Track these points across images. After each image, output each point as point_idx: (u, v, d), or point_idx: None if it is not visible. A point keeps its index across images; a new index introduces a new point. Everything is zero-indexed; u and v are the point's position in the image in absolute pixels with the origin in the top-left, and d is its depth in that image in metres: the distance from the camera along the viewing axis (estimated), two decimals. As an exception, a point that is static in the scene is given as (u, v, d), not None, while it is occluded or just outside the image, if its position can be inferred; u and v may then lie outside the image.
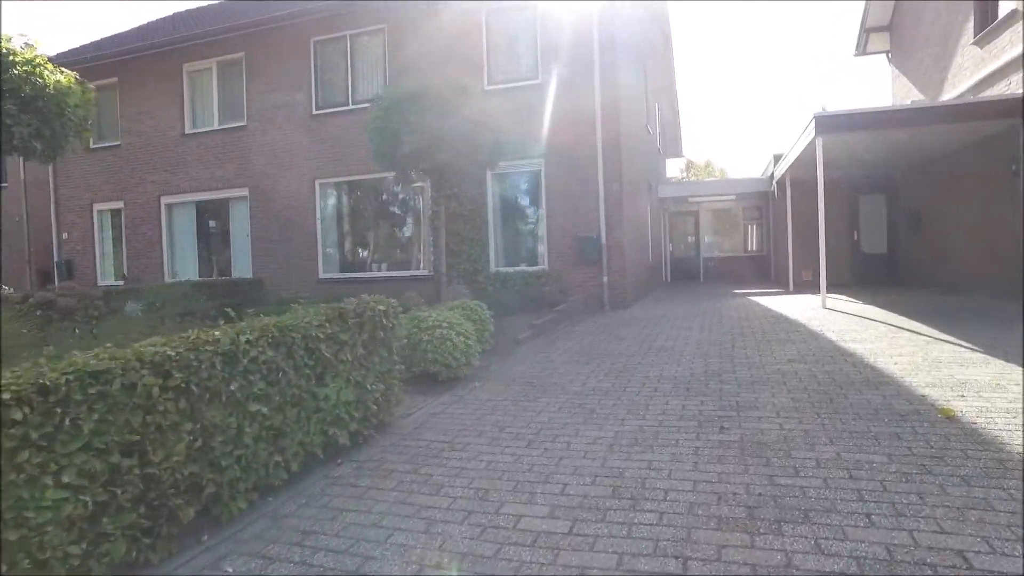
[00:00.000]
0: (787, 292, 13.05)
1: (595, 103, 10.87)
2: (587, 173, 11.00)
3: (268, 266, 13.35)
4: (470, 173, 8.49)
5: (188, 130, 14.18)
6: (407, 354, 5.42)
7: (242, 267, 13.95)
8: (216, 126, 13.96)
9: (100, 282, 15.33)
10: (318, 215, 13.02)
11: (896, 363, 5.26)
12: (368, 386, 4.07)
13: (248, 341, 3.15)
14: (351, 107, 12.54)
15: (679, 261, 20.34)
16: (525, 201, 11.92)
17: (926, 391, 4.36)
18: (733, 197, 19.32)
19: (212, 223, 14.51)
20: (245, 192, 13.61)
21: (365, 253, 13.33)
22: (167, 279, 14.30)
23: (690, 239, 20.61)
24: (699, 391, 4.79)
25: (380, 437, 4.12)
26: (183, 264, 14.72)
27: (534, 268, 11.48)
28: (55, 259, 15.85)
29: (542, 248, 11.49)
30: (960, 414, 3.81)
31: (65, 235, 15.72)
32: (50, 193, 15.76)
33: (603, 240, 10.93)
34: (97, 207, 15.35)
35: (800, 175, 13.09)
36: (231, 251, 14.22)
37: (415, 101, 7.39)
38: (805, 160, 11.03)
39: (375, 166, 8.56)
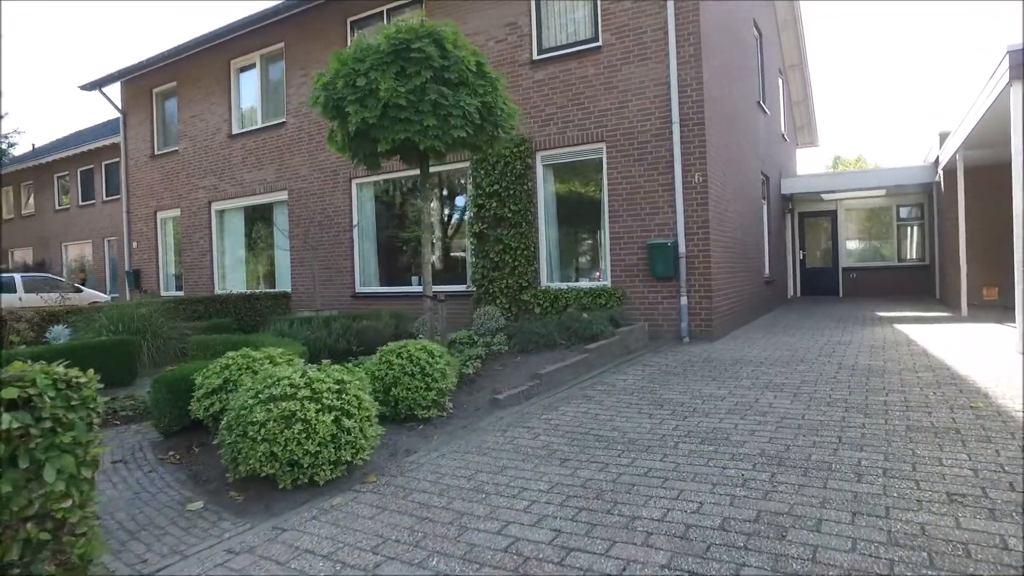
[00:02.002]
0: (958, 318, 9.36)
1: (670, 66, 8.16)
2: (659, 159, 8.31)
3: (304, 277, 11.91)
4: (446, 155, 6.11)
5: (235, 131, 13.21)
6: (230, 443, 3.26)
7: (285, 278, 12.69)
8: (260, 124, 12.85)
9: (163, 292, 14.90)
10: (355, 220, 11.36)
11: None
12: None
13: None
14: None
15: (811, 273, 16.56)
16: (585, 198, 9.40)
17: None
18: (883, 192, 15.23)
19: (259, 230, 13.44)
20: (285, 196, 12.32)
21: (409, 264, 11.47)
22: (216, 291, 13.45)
23: (825, 246, 16.72)
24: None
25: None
26: (232, 274, 13.80)
27: (593, 284, 8.96)
28: (126, 268, 15.71)
29: (605, 259, 8.92)
30: None
31: (135, 244, 15.48)
32: (123, 202, 15.66)
33: (681, 248, 8.17)
34: (160, 215, 14.94)
35: (979, 156, 9.34)
36: (274, 260, 13.04)
37: (369, 58, 5.25)
38: (989, 128, 7.52)
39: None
